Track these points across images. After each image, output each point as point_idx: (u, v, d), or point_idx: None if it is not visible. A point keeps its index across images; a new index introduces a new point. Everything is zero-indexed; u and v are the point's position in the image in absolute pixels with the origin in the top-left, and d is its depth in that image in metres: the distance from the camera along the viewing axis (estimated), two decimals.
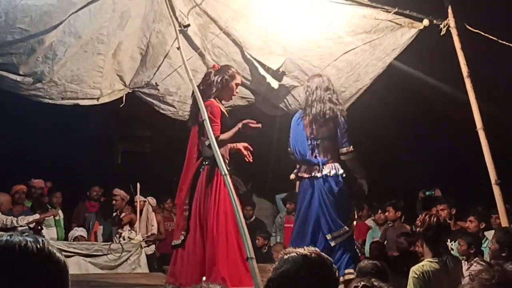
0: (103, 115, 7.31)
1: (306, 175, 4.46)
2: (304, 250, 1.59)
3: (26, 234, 1.12)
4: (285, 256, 1.58)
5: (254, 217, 7.18)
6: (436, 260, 3.27)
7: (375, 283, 1.81)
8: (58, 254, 1.10)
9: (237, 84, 4.38)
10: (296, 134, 4.58)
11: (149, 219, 6.68)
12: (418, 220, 3.52)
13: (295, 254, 1.56)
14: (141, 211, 6.51)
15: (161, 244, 6.89)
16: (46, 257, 1.06)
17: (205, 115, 3.73)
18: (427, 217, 3.38)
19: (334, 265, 1.62)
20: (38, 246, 1.06)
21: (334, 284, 1.58)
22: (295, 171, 4.60)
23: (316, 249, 1.63)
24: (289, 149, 4.66)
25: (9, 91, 4.65)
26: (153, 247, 6.76)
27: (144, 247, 6.33)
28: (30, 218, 5.64)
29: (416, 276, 3.19)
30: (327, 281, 1.55)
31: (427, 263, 3.28)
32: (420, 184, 6.89)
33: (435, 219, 3.33)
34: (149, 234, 6.65)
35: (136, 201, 6.52)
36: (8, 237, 1.08)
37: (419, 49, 5.38)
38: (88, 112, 5.88)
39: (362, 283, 1.75)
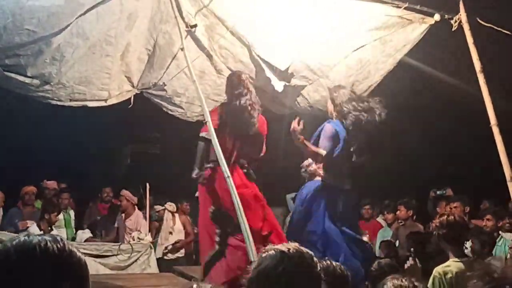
0: (112, 117, 7.32)
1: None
2: (283, 246, 1.56)
3: (44, 234, 1.10)
4: (264, 254, 1.55)
5: None
6: (462, 261, 3.20)
7: (409, 282, 1.77)
8: (78, 254, 1.08)
9: None
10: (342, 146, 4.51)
11: (171, 227, 6.62)
12: (436, 221, 3.44)
13: (273, 251, 1.53)
14: (150, 215, 6.52)
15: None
16: (67, 257, 1.05)
17: (208, 117, 3.73)
18: (446, 217, 3.31)
19: (315, 259, 1.57)
20: (59, 246, 1.04)
21: (315, 278, 1.54)
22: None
23: (296, 244, 1.59)
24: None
25: (19, 93, 4.66)
26: (182, 251, 6.74)
27: (167, 253, 6.25)
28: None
29: (439, 276, 3.12)
30: (307, 276, 1.51)
31: (452, 264, 3.20)
32: (431, 183, 6.80)
33: (451, 218, 3.26)
34: (174, 242, 6.61)
35: (145, 202, 6.51)
36: (26, 238, 1.05)
37: (431, 45, 5.30)
38: (97, 114, 5.88)
39: (395, 281, 1.71)
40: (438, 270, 3.17)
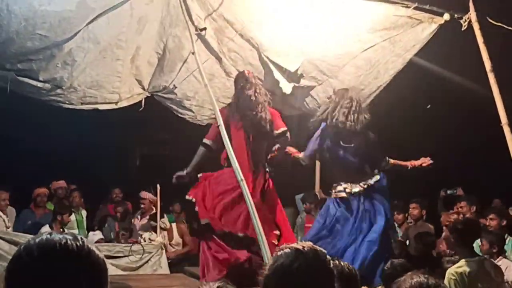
0: (122, 119, 7.36)
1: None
2: (298, 244, 1.62)
3: (66, 232, 1.16)
4: (279, 252, 1.60)
5: None
6: (473, 260, 3.20)
7: (430, 280, 1.78)
8: (97, 252, 1.12)
9: None
10: (332, 145, 4.56)
11: (169, 243, 6.57)
12: (446, 221, 3.45)
13: (288, 249, 1.59)
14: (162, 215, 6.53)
15: None
16: (86, 255, 1.08)
17: (220, 120, 3.74)
18: (456, 217, 3.31)
19: (328, 257, 1.62)
20: (78, 244, 1.08)
21: (328, 276, 1.59)
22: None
23: (310, 243, 1.65)
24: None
25: (29, 97, 4.72)
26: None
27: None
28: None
29: (454, 277, 3.12)
30: (320, 274, 1.57)
31: (464, 264, 3.21)
32: (442, 182, 6.77)
33: (466, 219, 3.26)
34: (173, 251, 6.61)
35: (156, 204, 6.54)
36: (48, 236, 1.10)
37: (440, 45, 5.28)
38: (108, 116, 5.92)
39: (415, 279, 1.72)
40: (451, 271, 3.17)
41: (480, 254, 4.46)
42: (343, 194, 4.34)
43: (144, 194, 6.74)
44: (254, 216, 3.29)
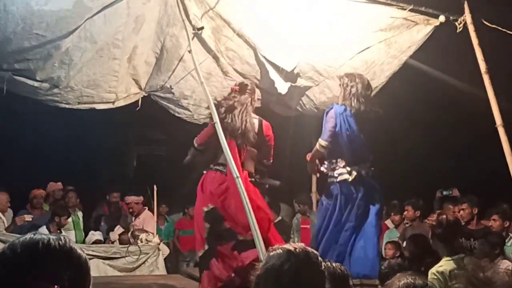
0: (119, 119, 7.36)
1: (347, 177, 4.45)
2: (290, 245, 1.63)
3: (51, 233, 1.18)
4: (271, 253, 1.62)
5: (280, 217, 7.14)
6: (453, 259, 3.23)
7: (417, 281, 1.80)
8: (79, 251, 1.17)
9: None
10: (348, 124, 4.46)
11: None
12: (430, 220, 3.49)
13: (280, 250, 1.61)
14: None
15: None
16: (67, 252, 1.13)
17: (216, 118, 3.75)
18: (442, 217, 3.35)
19: (319, 258, 1.64)
20: (60, 243, 1.14)
21: (319, 276, 1.60)
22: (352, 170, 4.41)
23: (302, 244, 1.67)
24: (319, 145, 4.53)
25: (26, 97, 4.72)
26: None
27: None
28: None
29: (435, 277, 3.16)
30: (312, 275, 1.58)
31: (444, 263, 3.26)
32: (437, 183, 6.80)
33: (447, 219, 3.30)
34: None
35: (153, 204, 6.54)
36: (32, 235, 1.16)
37: (436, 46, 5.31)
38: (104, 116, 5.92)
39: (403, 281, 1.74)
40: (433, 271, 3.21)
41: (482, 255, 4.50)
42: (346, 177, 4.37)
43: (127, 199, 6.76)
44: (249, 213, 3.29)
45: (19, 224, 5.63)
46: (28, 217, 5.73)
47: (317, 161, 4.64)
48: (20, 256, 1.11)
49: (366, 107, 4.48)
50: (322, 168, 4.56)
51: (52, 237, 1.15)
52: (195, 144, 4.42)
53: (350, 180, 4.35)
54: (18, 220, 5.65)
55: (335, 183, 4.42)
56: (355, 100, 4.45)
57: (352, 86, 4.51)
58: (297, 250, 1.59)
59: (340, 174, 4.40)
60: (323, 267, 1.62)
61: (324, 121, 4.56)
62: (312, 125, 6.71)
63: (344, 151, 4.45)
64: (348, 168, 4.39)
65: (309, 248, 1.64)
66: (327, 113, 4.57)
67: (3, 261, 1.11)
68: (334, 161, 4.47)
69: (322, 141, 4.48)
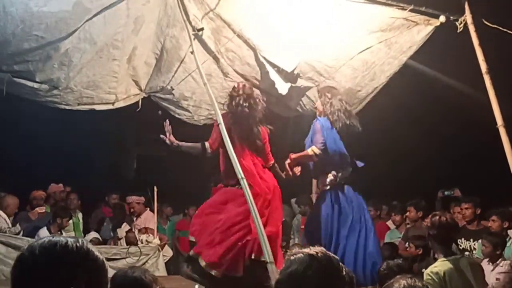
0: (119, 120, 7.36)
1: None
2: (310, 250, 1.60)
3: (68, 236, 1.25)
4: (292, 257, 1.59)
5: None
6: (449, 260, 3.22)
7: (417, 283, 1.79)
8: (96, 253, 1.20)
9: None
10: (333, 139, 4.62)
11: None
12: (427, 221, 3.48)
13: (302, 254, 1.57)
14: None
15: None
16: (84, 254, 1.16)
17: (220, 119, 3.72)
18: (435, 218, 3.34)
19: (341, 263, 1.62)
20: (78, 245, 1.17)
21: (341, 281, 1.59)
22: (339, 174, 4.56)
23: (322, 248, 1.64)
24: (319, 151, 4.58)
25: (25, 98, 4.71)
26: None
27: None
28: (18, 227, 5.64)
29: (430, 277, 3.15)
30: (335, 279, 1.56)
31: (439, 263, 3.24)
32: (439, 183, 6.79)
33: (443, 219, 3.29)
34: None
35: (153, 206, 6.54)
36: (51, 237, 1.19)
37: (436, 47, 5.30)
38: (104, 117, 5.91)
39: (403, 282, 1.73)
40: (428, 272, 3.20)
41: (481, 256, 4.49)
42: (331, 181, 4.54)
43: (128, 199, 6.75)
44: (254, 214, 3.26)
45: (33, 219, 5.64)
46: (40, 209, 5.74)
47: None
48: (38, 258, 1.13)
49: (349, 122, 4.67)
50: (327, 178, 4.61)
51: (70, 239, 1.18)
52: (209, 150, 4.26)
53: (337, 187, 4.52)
54: (32, 215, 5.67)
55: (327, 191, 4.57)
56: (338, 114, 4.64)
57: (333, 101, 4.72)
58: (319, 254, 1.56)
59: (329, 182, 4.54)
60: (344, 272, 1.60)
61: (312, 130, 4.69)
62: (309, 125, 6.71)
63: (331, 162, 4.59)
64: (334, 175, 4.55)
65: (329, 253, 1.61)
66: (313, 124, 4.71)
67: (22, 262, 1.15)
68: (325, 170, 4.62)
69: (316, 149, 4.57)
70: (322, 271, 1.53)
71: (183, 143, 4.27)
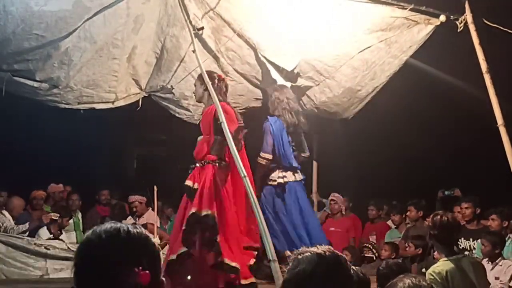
0: (118, 119, 7.34)
1: (292, 179, 4.77)
2: (317, 249, 1.58)
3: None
4: (299, 256, 1.57)
5: None
6: (451, 259, 3.22)
7: (422, 282, 1.78)
8: (153, 239, 1.29)
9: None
10: (279, 139, 4.73)
11: None
12: (428, 221, 3.46)
13: (309, 253, 1.56)
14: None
15: None
16: (145, 239, 1.25)
17: (222, 117, 3.70)
18: (437, 217, 3.33)
19: (348, 263, 1.61)
20: (138, 231, 1.25)
21: (350, 280, 1.57)
22: (279, 174, 4.73)
23: (329, 247, 1.62)
24: (265, 154, 4.67)
25: (24, 97, 4.71)
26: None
27: None
28: (23, 227, 5.64)
29: (432, 277, 3.14)
30: (343, 278, 1.55)
31: (441, 263, 3.23)
32: (439, 183, 6.78)
33: (445, 219, 3.28)
34: None
35: (154, 205, 6.51)
36: (113, 224, 1.27)
37: (436, 46, 5.30)
38: (104, 117, 5.90)
39: (407, 281, 1.72)
40: (430, 271, 3.19)
41: (481, 255, 4.49)
42: (281, 181, 4.71)
43: (131, 198, 6.72)
44: (258, 213, 3.24)
45: (45, 222, 5.66)
46: (55, 216, 5.75)
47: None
48: (105, 242, 1.21)
49: (297, 121, 4.86)
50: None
51: (129, 225, 1.26)
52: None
53: (284, 182, 4.72)
54: (45, 218, 5.68)
55: (272, 186, 4.72)
56: (287, 114, 4.80)
57: (282, 100, 4.83)
58: (327, 253, 1.55)
59: (279, 177, 4.71)
60: (352, 271, 1.59)
61: (263, 135, 4.76)
62: (312, 124, 6.71)
63: (279, 159, 4.73)
64: (283, 173, 4.73)
65: (336, 251, 1.60)
66: (264, 127, 4.78)
67: (90, 245, 1.23)
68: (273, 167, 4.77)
69: (265, 154, 4.69)
70: (330, 270, 1.52)
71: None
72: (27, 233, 5.49)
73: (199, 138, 4.22)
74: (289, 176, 4.74)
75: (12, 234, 5.33)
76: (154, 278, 1.21)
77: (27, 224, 5.50)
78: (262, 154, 4.67)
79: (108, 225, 1.26)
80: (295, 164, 4.78)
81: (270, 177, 4.73)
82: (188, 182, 4.03)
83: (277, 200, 4.72)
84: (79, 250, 1.25)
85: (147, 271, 1.20)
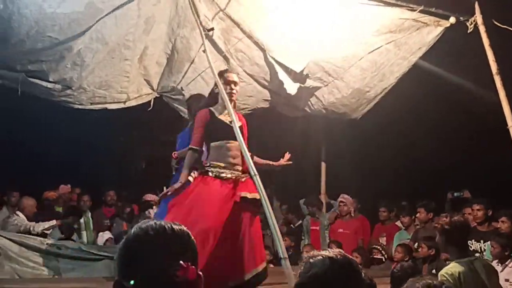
0: (128, 121, 7.39)
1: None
2: (329, 252, 1.60)
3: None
4: (311, 260, 1.58)
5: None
6: (463, 261, 3.22)
7: (435, 281, 1.78)
8: (192, 236, 1.34)
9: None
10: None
11: None
12: (439, 223, 3.46)
13: (321, 257, 1.57)
14: None
15: None
16: (187, 235, 1.30)
17: (233, 116, 3.70)
18: (449, 219, 3.33)
19: (360, 266, 1.62)
20: (180, 228, 1.30)
21: (361, 284, 1.59)
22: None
23: (340, 250, 1.64)
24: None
25: (38, 98, 4.76)
26: None
27: None
28: (46, 224, 5.70)
29: (445, 279, 3.14)
30: (355, 282, 1.56)
31: (454, 265, 3.23)
32: (448, 185, 6.76)
33: (457, 220, 3.28)
34: None
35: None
36: (155, 221, 1.31)
37: (446, 48, 5.30)
38: (114, 118, 5.94)
39: (422, 281, 1.73)
40: (442, 273, 3.19)
41: (491, 257, 4.47)
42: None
43: (146, 197, 6.74)
44: (268, 211, 3.24)
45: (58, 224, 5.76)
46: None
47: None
48: (152, 237, 1.26)
49: None
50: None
51: (171, 223, 1.31)
52: (192, 146, 3.90)
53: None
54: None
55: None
56: None
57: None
58: (339, 257, 1.56)
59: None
60: (363, 275, 1.61)
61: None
62: (320, 125, 6.72)
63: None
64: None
65: (348, 255, 1.61)
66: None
67: (138, 241, 1.27)
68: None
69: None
70: (342, 274, 1.53)
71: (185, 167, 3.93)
72: (51, 230, 5.56)
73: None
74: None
75: (34, 231, 5.39)
76: (197, 273, 1.27)
77: (45, 224, 5.55)
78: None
79: (152, 222, 1.30)
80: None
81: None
82: None
83: None
84: (125, 245, 1.28)
85: (193, 266, 1.24)
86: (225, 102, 3.66)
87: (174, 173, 4.64)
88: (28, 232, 5.40)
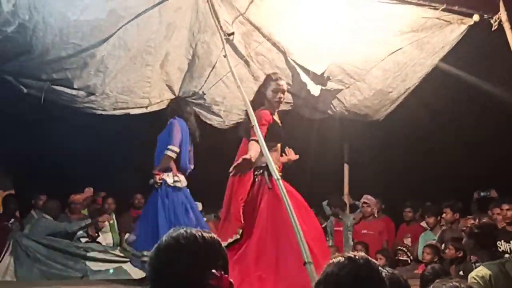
0: (146, 124, 7.47)
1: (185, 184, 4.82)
2: (351, 253, 1.62)
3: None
4: (332, 261, 1.61)
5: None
6: (494, 263, 3.16)
7: (462, 284, 1.76)
8: (223, 244, 1.37)
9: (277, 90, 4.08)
10: (185, 141, 4.80)
11: None
12: (467, 226, 3.40)
13: (341, 257, 1.60)
14: None
15: None
16: (218, 243, 1.33)
17: (254, 121, 3.71)
18: (477, 221, 3.27)
19: (380, 268, 1.62)
20: (211, 236, 1.33)
21: (380, 284, 1.58)
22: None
23: (364, 254, 1.65)
24: (171, 151, 4.69)
25: (64, 105, 4.85)
26: None
27: None
28: (82, 223, 5.84)
29: (475, 281, 3.09)
30: (371, 281, 1.56)
31: (484, 268, 3.17)
32: (474, 184, 6.64)
33: (482, 223, 3.22)
34: None
35: None
36: (187, 229, 1.34)
37: (470, 46, 5.19)
38: (132, 123, 5.99)
39: (449, 284, 1.71)
40: (473, 275, 3.13)
41: None
42: (179, 184, 4.74)
43: None
44: (291, 213, 3.22)
45: (101, 227, 5.87)
46: (109, 218, 5.98)
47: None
48: (184, 246, 1.28)
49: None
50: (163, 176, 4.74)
51: (202, 231, 1.34)
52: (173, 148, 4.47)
53: (180, 186, 4.74)
54: (102, 221, 5.91)
55: (165, 187, 4.70)
56: (190, 118, 4.92)
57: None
58: (357, 257, 1.59)
59: (175, 181, 4.72)
60: (383, 275, 1.60)
61: (169, 127, 4.80)
62: (343, 126, 6.67)
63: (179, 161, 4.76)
64: (179, 176, 4.75)
65: (370, 258, 1.63)
66: (172, 123, 4.81)
67: (169, 249, 1.29)
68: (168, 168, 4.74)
69: (175, 148, 4.70)
70: (357, 270, 1.54)
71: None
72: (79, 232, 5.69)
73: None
74: (183, 181, 4.78)
75: (71, 230, 5.52)
76: (230, 282, 1.29)
77: (89, 220, 5.69)
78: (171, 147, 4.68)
79: (182, 231, 1.32)
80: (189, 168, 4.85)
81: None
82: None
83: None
84: (156, 254, 1.29)
85: (226, 275, 1.26)
86: (246, 105, 3.67)
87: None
88: (59, 232, 5.53)
